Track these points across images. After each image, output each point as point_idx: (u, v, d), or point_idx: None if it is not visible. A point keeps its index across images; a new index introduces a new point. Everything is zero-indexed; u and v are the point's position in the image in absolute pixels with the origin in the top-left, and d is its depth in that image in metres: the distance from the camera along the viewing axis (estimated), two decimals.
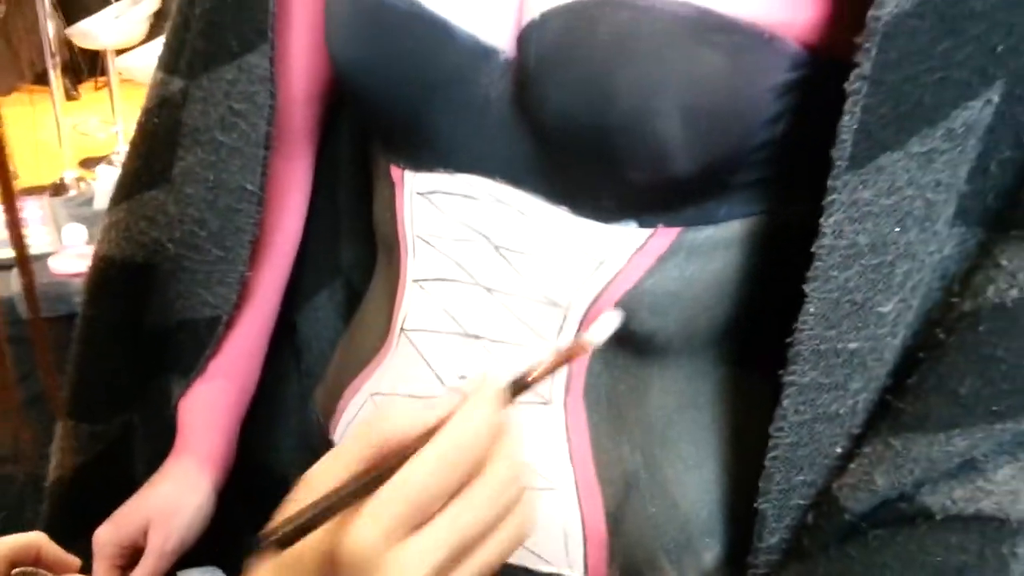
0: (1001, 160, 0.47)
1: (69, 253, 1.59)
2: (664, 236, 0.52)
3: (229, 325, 0.71)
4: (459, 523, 0.38)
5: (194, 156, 0.68)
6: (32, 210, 1.82)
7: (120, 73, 3.35)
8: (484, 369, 0.58)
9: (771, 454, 0.50)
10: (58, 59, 3.21)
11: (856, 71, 0.43)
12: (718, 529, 0.57)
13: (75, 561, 0.54)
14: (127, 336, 0.74)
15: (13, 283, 1.45)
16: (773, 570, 0.52)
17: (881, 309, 0.47)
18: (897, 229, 0.45)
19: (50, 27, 3.10)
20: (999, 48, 0.43)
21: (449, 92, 0.54)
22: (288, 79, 0.67)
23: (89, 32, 3.32)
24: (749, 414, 0.56)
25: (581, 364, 0.56)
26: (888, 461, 0.47)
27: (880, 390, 0.49)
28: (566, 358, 0.44)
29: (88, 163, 3.66)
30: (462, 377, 0.59)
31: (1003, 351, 0.45)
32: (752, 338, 0.56)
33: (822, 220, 0.45)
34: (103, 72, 4.04)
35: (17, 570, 0.53)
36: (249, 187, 0.66)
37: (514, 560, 0.59)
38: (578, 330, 0.55)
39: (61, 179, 3.12)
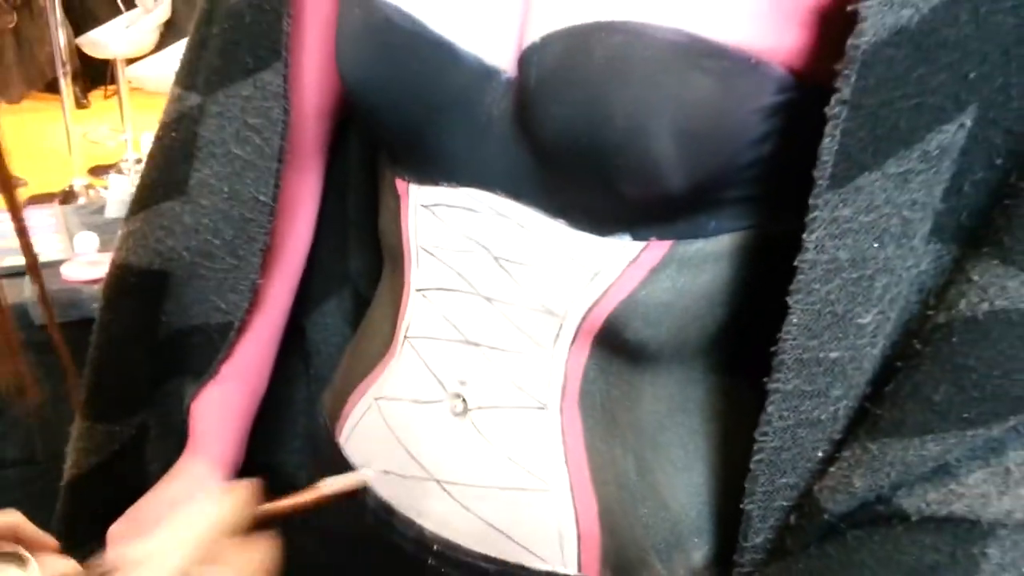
0: (974, 181, 0.48)
1: (81, 260, 1.60)
2: (657, 249, 0.53)
3: (241, 330, 0.72)
4: None
5: (210, 168, 0.69)
6: (44, 218, 1.83)
7: (130, 82, 3.36)
8: (483, 375, 0.60)
9: (756, 457, 0.51)
10: (69, 68, 3.23)
11: (836, 96, 0.44)
12: (706, 529, 0.58)
13: (53, 541, 0.55)
14: (143, 340, 0.75)
15: (26, 289, 1.46)
16: (758, 568, 0.53)
17: (861, 320, 0.48)
18: (876, 245, 0.46)
19: (61, 36, 3.13)
20: (971, 75, 0.45)
21: (453, 110, 0.55)
22: (301, 95, 0.69)
23: (99, 41, 3.33)
24: (736, 420, 0.57)
25: (576, 370, 0.57)
26: (866, 465, 0.49)
27: (860, 397, 0.50)
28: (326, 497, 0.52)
29: (97, 171, 3.67)
30: (463, 383, 0.61)
31: (974, 361, 0.46)
32: (740, 347, 0.58)
33: (805, 236, 0.46)
34: (112, 80, 4.06)
35: None
36: (262, 198, 0.67)
37: (511, 558, 0.61)
38: (573, 340, 0.57)
39: (70, 186, 3.15)
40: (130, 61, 3.34)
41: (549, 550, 0.60)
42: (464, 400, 0.61)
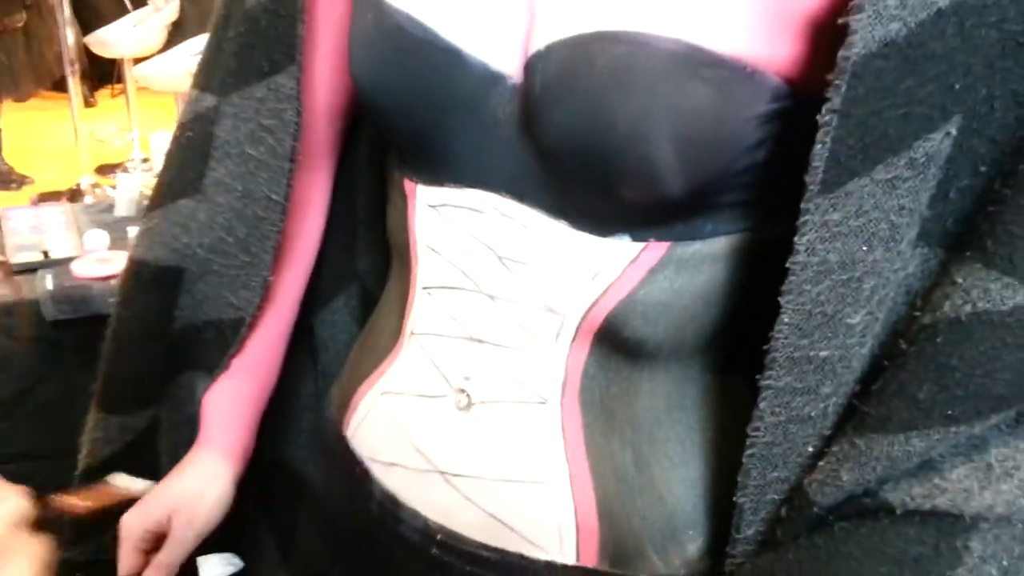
0: (960, 187, 0.49)
1: (91, 258, 1.62)
2: (655, 250, 0.55)
3: (252, 326, 0.74)
4: None
5: (224, 168, 0.71)
6: (55, 216, 1.85)
7: (137, 81, 3.37)
8: (486, 370, 0.61)
9: (748, 452, 0.52)
10: (77, 67, 3.25)
11: (827, 105, 0.45)
12: (701, 522, 0.60)
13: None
14: (157, 334, 0.77)
15: (39, 286, 1.48)
16: (750, 559, 0.55)
17: (850, 321, 0.49)
18: (864, 248, 0.48)
19: (69, 35, 3.15)
20: (956, 86, 0.46)
21: (461, 114, 0.56)
22: (313, 98, 0.70)
23: (107, 40, 3.34)
24: (731, 416, 0.58)
25: (577, 367, 0.59)
26: (853, 459, 0.50)
27: (848, 395, 0.52)
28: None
29: (104, 170, 3.68)
30: (467, 378, 0.62)
31: (957, 360, 0.47)
32: (735, 346, 0.59)
33: (796, 239, 0.48)
34: (119, 80, 4.07)
35: None
36: (275, 197, 0.68)
37: (511, 548, 0.62)
38: (573, 337, 0.58)
39: (78, 184, 3.16)
40: (137, 61, 3.35)
41: (549, 541, 0.61)
42: (468, 395, 0.62)
